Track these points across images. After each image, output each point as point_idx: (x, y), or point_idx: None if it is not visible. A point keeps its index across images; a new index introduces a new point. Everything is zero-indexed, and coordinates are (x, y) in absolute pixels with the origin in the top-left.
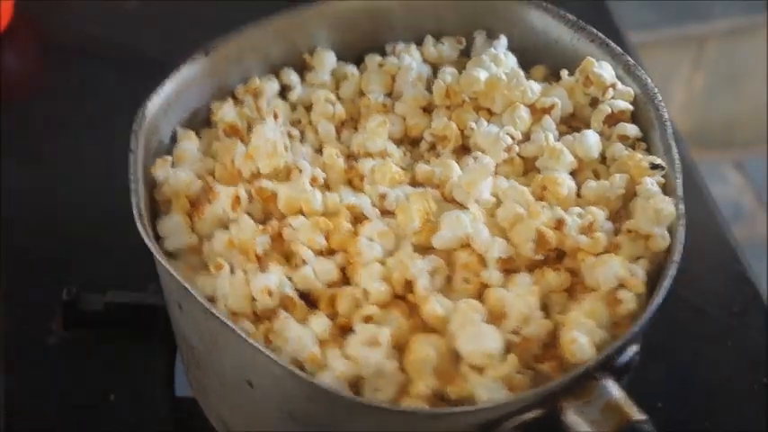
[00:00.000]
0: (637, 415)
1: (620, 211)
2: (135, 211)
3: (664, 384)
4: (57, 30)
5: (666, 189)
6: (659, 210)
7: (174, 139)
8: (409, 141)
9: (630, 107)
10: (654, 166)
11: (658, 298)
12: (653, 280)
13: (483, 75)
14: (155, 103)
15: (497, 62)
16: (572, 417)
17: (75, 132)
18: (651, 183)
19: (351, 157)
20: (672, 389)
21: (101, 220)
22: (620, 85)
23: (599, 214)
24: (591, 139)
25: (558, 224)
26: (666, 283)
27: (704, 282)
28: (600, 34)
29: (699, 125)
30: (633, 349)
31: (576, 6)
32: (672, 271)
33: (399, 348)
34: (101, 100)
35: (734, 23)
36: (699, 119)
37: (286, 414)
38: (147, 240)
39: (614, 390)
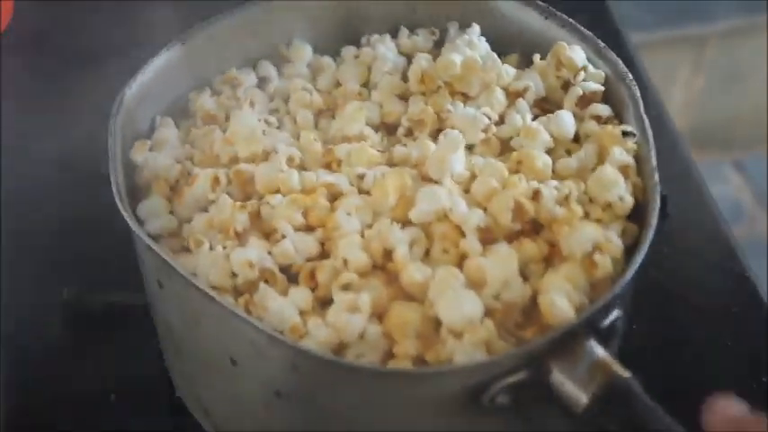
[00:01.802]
0: (623, 372)
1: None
2: (115, 193)
3: (663, 384)
4: (57, 30)
5: (640, 160)
6: (606, 176)
7: (152, 130)
8: (386, 129)
9: (602, 88)
10: (625, 134)
11: (638, 260)
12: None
13: (458, 58)
14: (133, 89)
15: (472, 46)
16: (558, 376)
17: (76, 133)
18: (620, 152)
19: (328, 143)
20: (672, 388)
21: (101, 220)
22: (591, 68)
23: (575, 187)
24: (566, 119)
25: (535, 195)
26: (644, 246)
27: (704, 282)
28: (570, 20)
29: (699, 125)
30: (615, 314)
31: (576, 6)
32: (649, 234)
33: (379, 317)
34: (101, 100)
35: (734, 23)
36: (699, 119)
37: (270, 391)
38: (127, 218)
39: (599, 350)
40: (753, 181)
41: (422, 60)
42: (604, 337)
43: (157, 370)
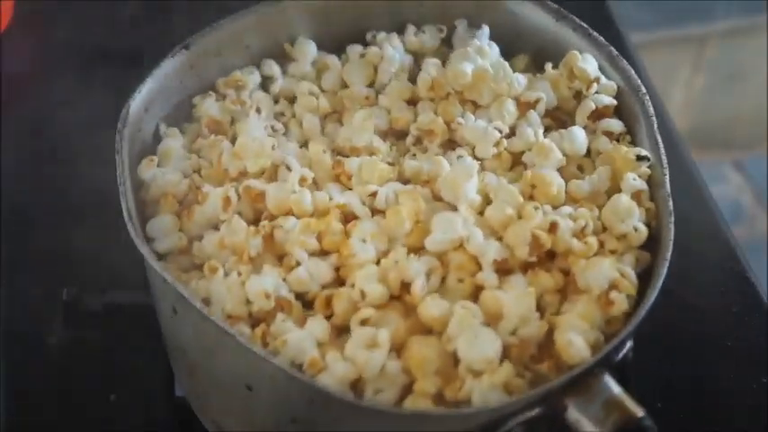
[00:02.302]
0: (637, 411)
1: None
2: (125, 214)
3: (664, 384)
4: (57, 30)
5: (653, 184)
6: (621, 206)
7: (156, 136)
8: (394, 134)
9: (614, 102)
10: (639, 158)
11: (652, 297)
12: (646, 274)
13: (469, 68)
14: (137, 101)
15: (482, 54)
16: (575, 414)
17: (75, 133)
18: (633, 177)
19: (336, 151)
20: (672, 389)
21: (101, 219)
22: (603, 80)
23: (590, 217)
24: (579, 136)
25: (552, 227)
26: (659, 282)
27: (704, 282)
28: (582, 23)
29: (699, 125)
30: (628, 346)
31: (576, 6)
32: (663, 269)
33: (397, 350)
34: (101, 100)
35: (734, 23)
36: (699, 119)
37: (286, 417)
38: (139, 244)
39: (614, 386)
40: (753, 181)
41: (431, 68)
42: (617, 369)
43: (157, 370)
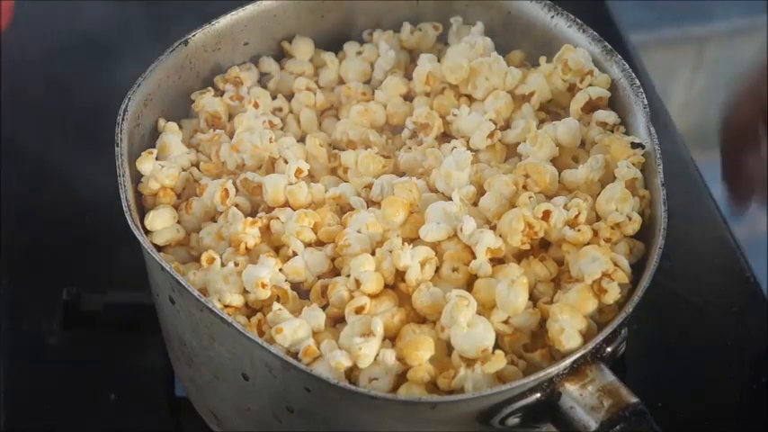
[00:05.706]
0: (632, 397)
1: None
2: (124, 205)
3: (663, 384)
4: (57, 30)
5: (647, 173)
6: (616, 195)
7: (155, 130)
8: (390, 129)
9: (608, 93)
10: (634, 145)
11: (644, 284)
12: (640, 262)
13: (465, 61)
14: (137, 95)
15: (477, 48)
16: (569, 402)
17: (76, 132)
18: (627, 165)
19: (332, 145)
20: (672, 389)
21: (101, 220)
22: (597, 72)
23: (584, 206)
24: (573, 127)
25: (545, 215)
26: (652, 270)
27: (704, 282)
28: (577, 19)
29: (699, 125)
30: (622, 334)
31: (576, 7)
32: (656, 257)
33: (391, 338)
34: (101, 100)
35: (734, 24)
36: (699, 119)
37: (282, 406)
38: (138, 235)
39: (608, 374)
40: None
41: (426, 62)
42: (611, 358)
43: (157, 370)
